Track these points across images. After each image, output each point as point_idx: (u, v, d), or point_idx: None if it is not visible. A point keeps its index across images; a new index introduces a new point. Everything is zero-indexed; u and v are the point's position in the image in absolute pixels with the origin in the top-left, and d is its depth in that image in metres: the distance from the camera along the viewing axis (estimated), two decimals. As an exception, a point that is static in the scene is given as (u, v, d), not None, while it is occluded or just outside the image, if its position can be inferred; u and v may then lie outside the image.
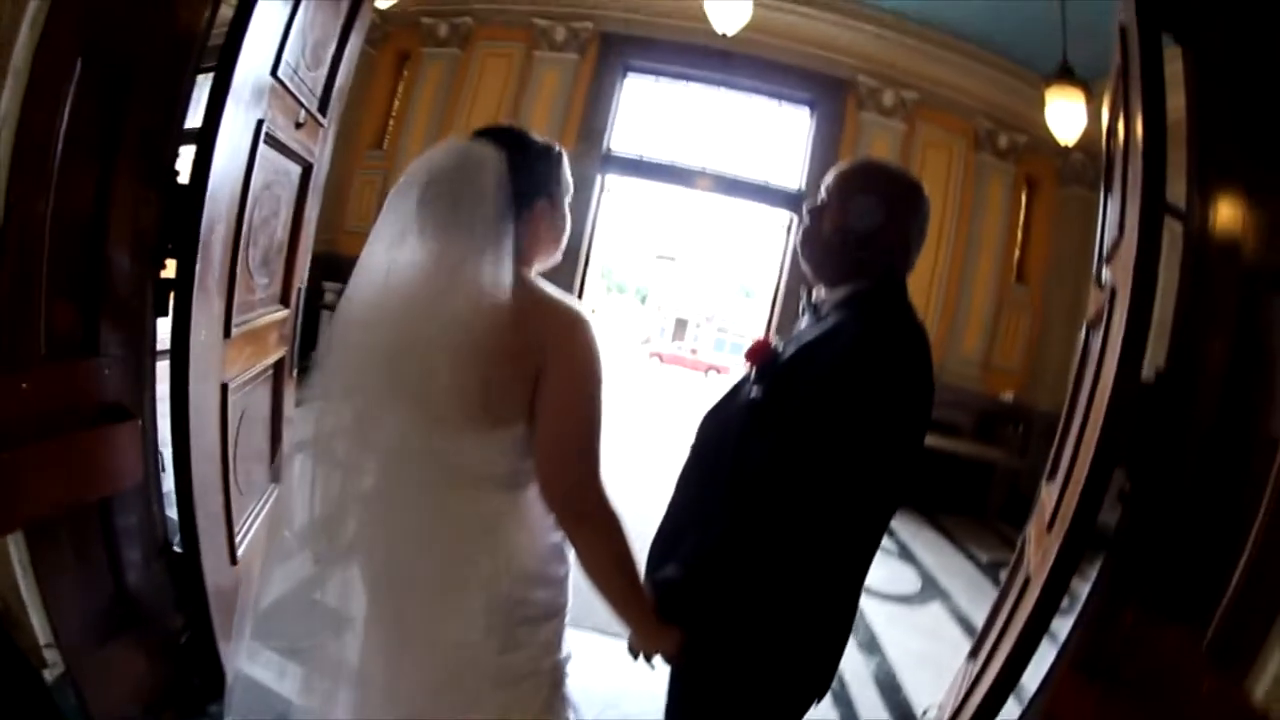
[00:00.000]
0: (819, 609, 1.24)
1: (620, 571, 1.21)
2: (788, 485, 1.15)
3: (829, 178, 1.39)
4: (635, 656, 1.32)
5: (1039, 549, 1.98)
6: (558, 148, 1.38)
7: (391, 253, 1.23)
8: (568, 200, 1.39)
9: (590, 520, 1.20)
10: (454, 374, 1.18)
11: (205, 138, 1.80)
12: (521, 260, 1.27)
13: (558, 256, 1.40)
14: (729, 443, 1.26)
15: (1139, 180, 1.69)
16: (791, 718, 1.32)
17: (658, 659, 1.29)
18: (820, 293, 1.39)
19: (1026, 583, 1.92)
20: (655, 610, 1.23)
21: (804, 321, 1.40)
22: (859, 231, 1.31)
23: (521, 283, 1.24)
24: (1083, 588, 1.76)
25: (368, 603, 1.30)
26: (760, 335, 1.33)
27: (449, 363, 1.17)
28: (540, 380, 1.20)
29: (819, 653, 1.29)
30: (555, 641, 1.32)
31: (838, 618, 1.31)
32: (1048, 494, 2.22)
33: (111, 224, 1.72)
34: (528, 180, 1.28)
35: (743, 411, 1.23)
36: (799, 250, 1.42)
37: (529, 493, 1.26)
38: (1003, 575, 2.92)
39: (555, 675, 1.31)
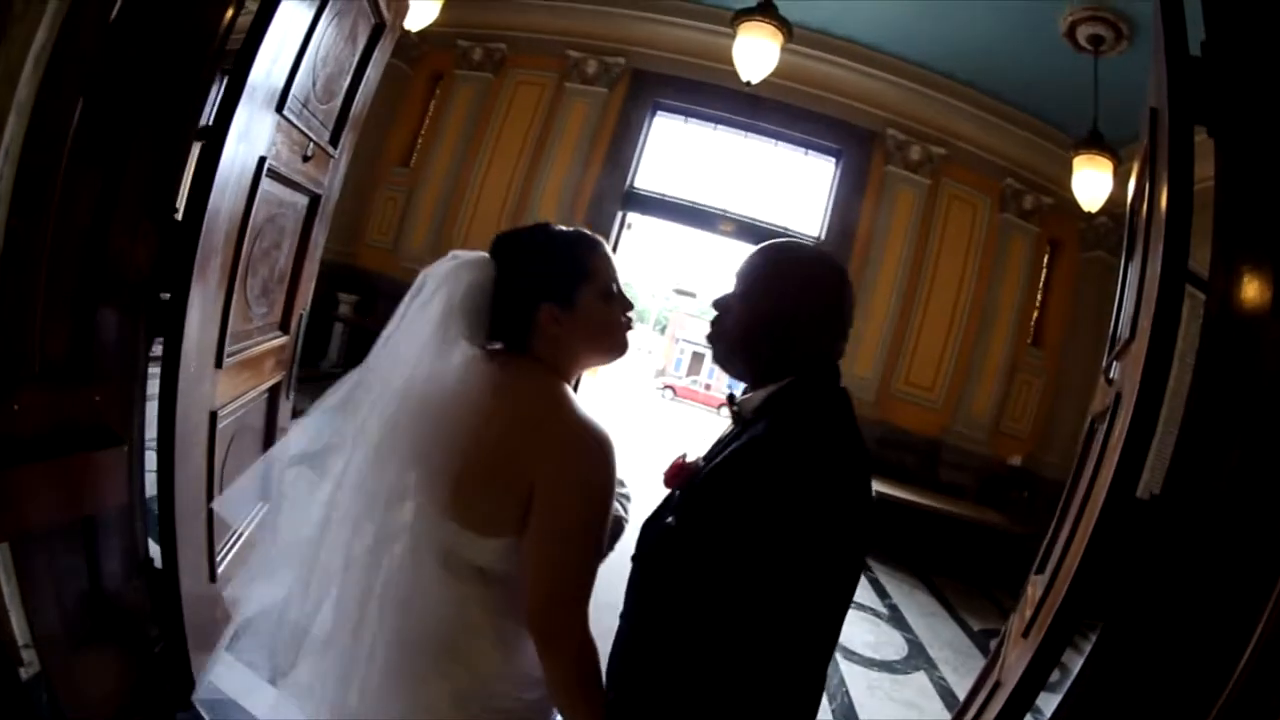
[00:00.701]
0: None
1: (581, 697, 1.18)
2: (684, 630, 1.07)
3: (737, 267, 1.28)
4: None
5: (1015, 651, 1.92)
6: (581, 239, 1.33)
7: (402, 350, 1.24)
8: (606, 293, 1.31)
9: (558, 645, 1.17)
10: (443, 474, 1.19)
11: (202, 176, 1.82)
12: (553, 370, 1.27)
13: (609, 357, 1.33)
14: (649, 567, 1.18)
15: (1160, 262, 1.63)
16: None
17: None
18: (740, 394, 1.29)
19: (996, 688, 1.86)
20: None
21: (727, 429, 1.31)
22: (766, 326, 1.20)
23: (541, 398, 1.22)
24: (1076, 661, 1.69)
25: (343, 636, 1.26)
26: (678, 456, 1.26)
27: (444, 460, 1.18)
28: (532, 498, 1.17)
29: None
30: None
31: None
32: (1033, 589, 2.17)
33: (108, 256, 1.75)
34: (524, 289, 1.26)
35: (662, 537, 1.15)
36: (710, 347, 1.31)
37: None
38: (992, 645, 2.85)
39: None
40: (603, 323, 1.30)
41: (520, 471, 1.17)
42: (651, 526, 1.21)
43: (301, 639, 1.28)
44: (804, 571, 1.05)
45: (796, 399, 1.17)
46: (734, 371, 1.29)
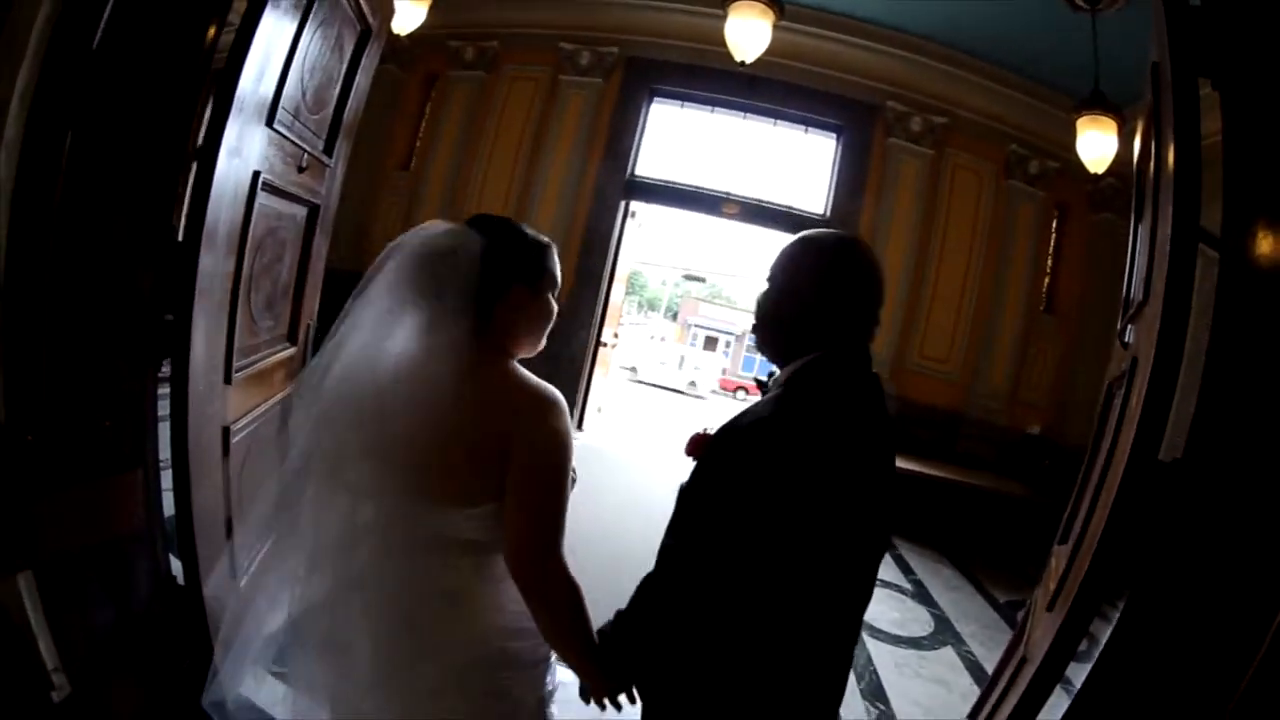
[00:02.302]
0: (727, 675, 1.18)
1: (571, 636, 1.31)
2: (670, 564, 1.21)
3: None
4: (586, 701, 1.39)
5: (1040, 625, 1.90)
6: (547, 242, 1.45)
7: (370, 324, 1.29)
8: (553, 294, 1.43)
9: (545, 594, 1.28)
10: (425, 450, 1.25)
11: (198, 195, 1.82)
12: (500, 346, 1.36)
13: (537, 347, 1.44)
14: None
15: (1170, 222, 1.60)
16: None
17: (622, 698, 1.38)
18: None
19: (1023, 663, 1.85)
20: (598, 660, 1.32)
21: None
22: (789, 307, 1.30)
23: (495, 367, 1.33)
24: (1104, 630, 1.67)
25: (362, 635, 1.33)
26: (698, 429, 1.40)
27: (419, 437, 1.25)
28: (507, 462, 1.26)
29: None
30: (539, 681, 1.41)
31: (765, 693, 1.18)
32: (1056, 561, 2.14)
33: (109, 279, 1.76)
34: (506, 265, 1.34)
35: (678, 495, 1.23)
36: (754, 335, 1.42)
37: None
38: (1019, 617, 2.83)
39: (540, 711, 1.41)
40: (548, 317, 1.43)
41: (495, 439, 1.26)
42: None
43: (306, 637, 1.37)
44: (773, 529, 1.12)
45: (810, 374, 1.25)
46: (766, 353, 1.37)
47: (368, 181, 7.38)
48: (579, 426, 7.49)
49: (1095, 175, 5.93)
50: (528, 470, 1.26)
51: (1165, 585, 1.41)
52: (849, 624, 1.27)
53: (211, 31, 1.84)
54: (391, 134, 7.74)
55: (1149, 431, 1.50)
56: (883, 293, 1.34)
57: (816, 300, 1.27)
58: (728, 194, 7.38)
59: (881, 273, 1.34)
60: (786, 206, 7.36)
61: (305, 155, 2.43)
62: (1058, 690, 1.74)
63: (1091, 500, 1.86)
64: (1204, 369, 1.48)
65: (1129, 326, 2.09)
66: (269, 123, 2.08)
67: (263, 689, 1.91)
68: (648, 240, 10.33)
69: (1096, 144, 5.47)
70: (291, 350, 2.73)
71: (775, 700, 1.17)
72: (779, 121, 7.43)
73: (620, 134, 7.36)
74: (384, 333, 1.28)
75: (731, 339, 32.18)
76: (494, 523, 1.29)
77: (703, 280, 34.18)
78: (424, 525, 1.29)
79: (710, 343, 31.74)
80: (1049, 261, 7.18)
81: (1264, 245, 1.47)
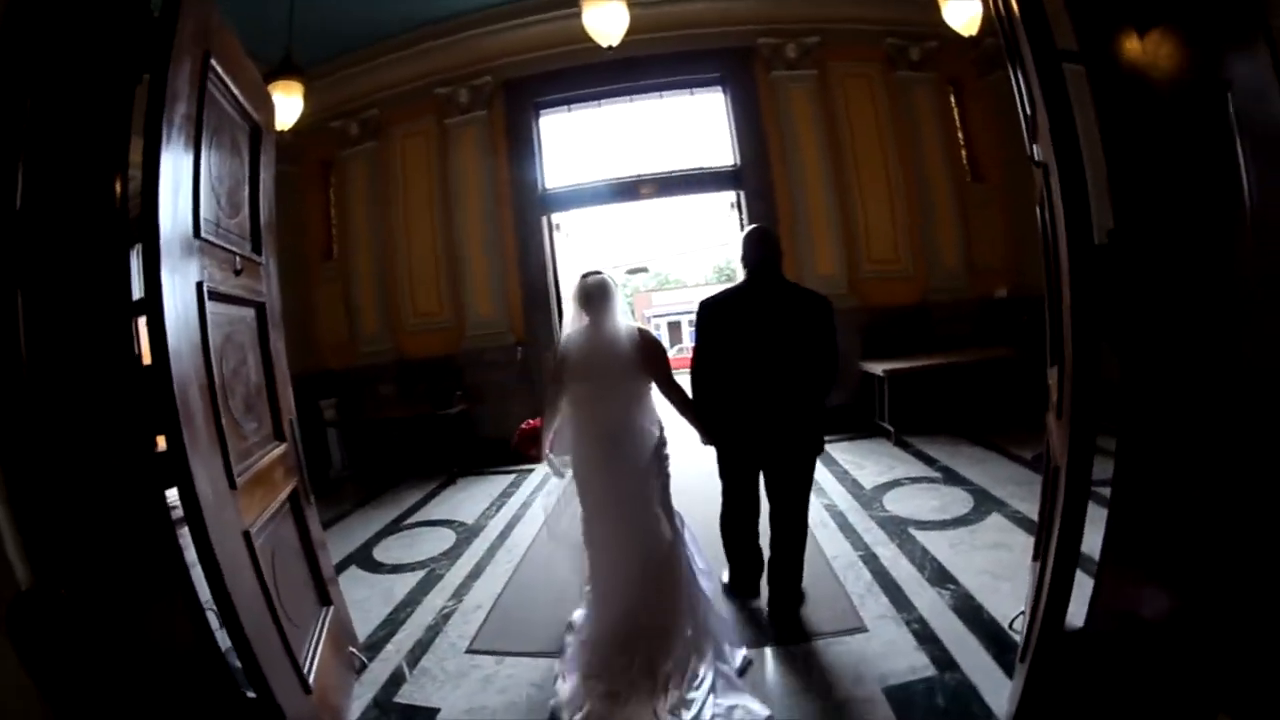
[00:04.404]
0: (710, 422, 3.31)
1: (684, 409, 3.30)
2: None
3: None
4: (705, 444, 3.39)
5: (1059, 437, 1.99)
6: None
7: (578, 324, 3.06)
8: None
9: (676, 393, 3.18)
10: (625, 370, 2.97)
11: (153, 317, 1.85)
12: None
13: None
14: None
15: (1028, 47, 1.71)
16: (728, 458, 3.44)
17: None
18: None
19: (1057, 472, 1.93)
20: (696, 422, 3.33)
21: None
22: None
23: (632, 329, 3.03)
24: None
25: (613, 432, 3.00)
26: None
27: (620, 366, 2.96)
28: (649, 364, 3.01)
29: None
30: (669, 456, 3.10)
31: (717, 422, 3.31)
32: (1053, 380, 2.24)
33: (91, 420, 1.79)
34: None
35: None
36: None
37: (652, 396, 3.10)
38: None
39: (668, 470, 3.10)
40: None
41: (642, 357, 2.99)
42: None
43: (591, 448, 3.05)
44: (709, 341, 3.28)
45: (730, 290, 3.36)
46: None
47: (302, 285, 7.38)
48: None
49: (975, 40, 6.09)
50: (657, 364, 3.04)
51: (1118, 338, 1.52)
52: (754, 377, 3.19)
53: (119, 187, 1.89)
54: (306, 230, 7.73)
55: (1076, 218, 1.62)
56: (764, 247, 3.27)
57: (742, 259, 3.30)
58: (639, 176, 7.48)
59: (763, 236, 3.32)
60: (698, 168, 7.48)
61: (237, 258, 2.47)
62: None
63: (1056, 305, 1.97)
64: (1106, 163, 1.61)
65: (1034, 146, 2.20)
66: (196, 234, 2.12)
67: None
68: (584, 247, 10.34)
69: (959, 8, 5.61)
70: (283, 446, 2.76)
71: (733, 418, 3.25)
72: (665, 93, 7.54)
73: (520, 156, 7.43)
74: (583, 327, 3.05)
75: (693, 317, 32.24)
76: (648, 386, 3.05)
77: (645, 270, 34.15)
78: (625, 391, 2.98)
79: (674, 328, 31.81)
80: (960, 135, 7.36)
81: (1126, 51, 1.60)
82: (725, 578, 3.59)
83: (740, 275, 3.32)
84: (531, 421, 3.34)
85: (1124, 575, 1.59)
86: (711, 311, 3.23)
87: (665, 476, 3.03)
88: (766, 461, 3.30)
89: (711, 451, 3.41)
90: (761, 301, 3.16)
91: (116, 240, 1.89)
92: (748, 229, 3.30)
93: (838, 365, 3.26)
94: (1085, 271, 1.63)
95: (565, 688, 2.78)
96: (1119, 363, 1.64)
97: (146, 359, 1.89)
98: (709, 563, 3.18)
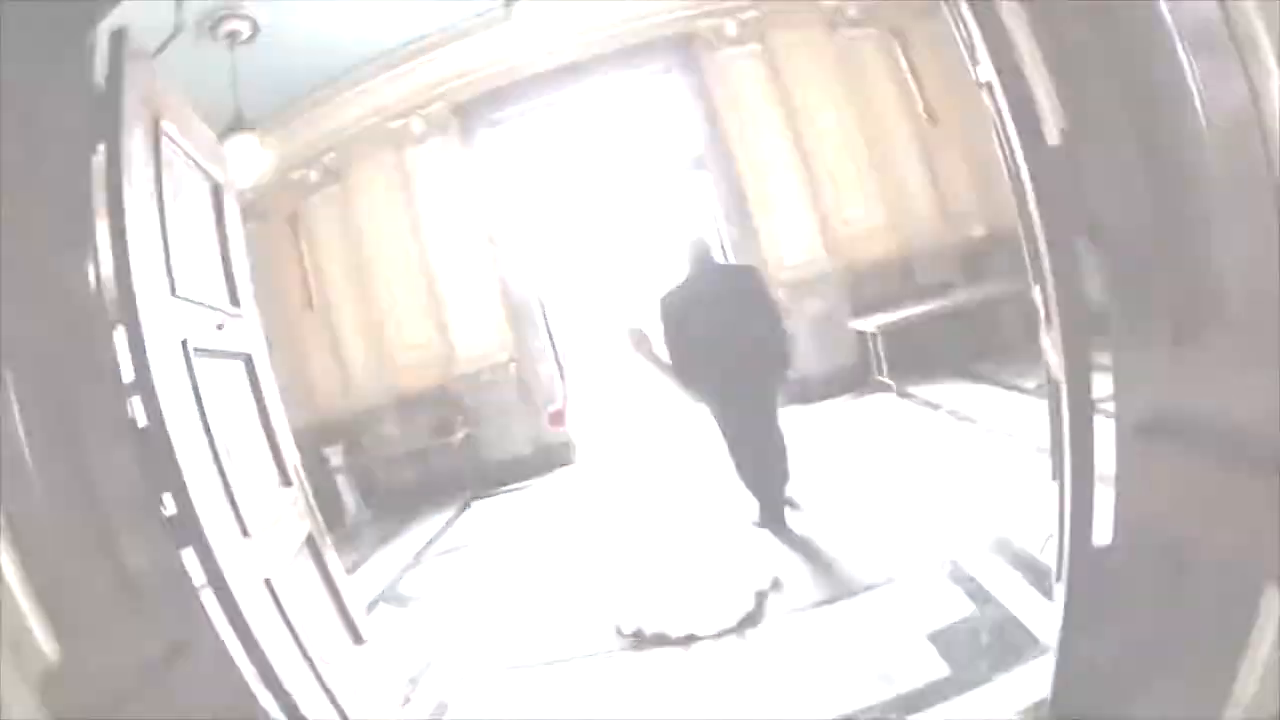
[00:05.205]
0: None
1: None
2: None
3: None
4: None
5: (1055, 350, 2.00)
6: None
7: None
8: None
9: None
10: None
11: (143, 381, 1.85)
12: None
13: None
14: None
15: None
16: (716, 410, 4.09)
17: None
18: None
19: (1058, 387, 1.94)
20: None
21: None
22: None
23: None
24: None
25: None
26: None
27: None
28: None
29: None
30: None
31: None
32: (1040, 299, 2.25)
33: (98, 493, 1.77)
34: None
35: None
36: None
37: None
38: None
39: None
40: None
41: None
42: None
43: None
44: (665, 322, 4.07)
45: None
46: None
47: (286, 334, 7.36)
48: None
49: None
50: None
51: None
52: (714, 332, 3.92)
53: (92, 275, 1.90)
54: (284, 286, 7.69)
55: (1024, 118, 1.64)
56: (698, 248, 4.22)
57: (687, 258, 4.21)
58: (606, 178, 7.47)
59: (697, 242, 4.27)
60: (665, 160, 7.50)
61: (218, 313, 2.47)
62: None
63: (1027, 218, 1.97)
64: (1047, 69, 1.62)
65: (976, 70, 2.21)
66: (173, 293, 2.12)
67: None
68: (569, 261, 10.24)
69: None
70: (290, 490, 2.76)
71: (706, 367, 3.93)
72: (614, 93, 7.49)
73: (481, 174, 7.43)
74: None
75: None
76: None
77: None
78: None
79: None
80: (912, 83, 7.35)
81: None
82: (757, 516, 4.18)
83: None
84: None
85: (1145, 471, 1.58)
86: (669, 298, 4.09)
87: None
88: (741, 387, 4.02)
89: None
90: (705, 282, 4.11)
91: (99, 321, 1.90)
92: (692, 239, 4.28)
93: (774, 304, 4.30)
94: (1044, 171, 1.64)
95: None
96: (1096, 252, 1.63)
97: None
98: None
